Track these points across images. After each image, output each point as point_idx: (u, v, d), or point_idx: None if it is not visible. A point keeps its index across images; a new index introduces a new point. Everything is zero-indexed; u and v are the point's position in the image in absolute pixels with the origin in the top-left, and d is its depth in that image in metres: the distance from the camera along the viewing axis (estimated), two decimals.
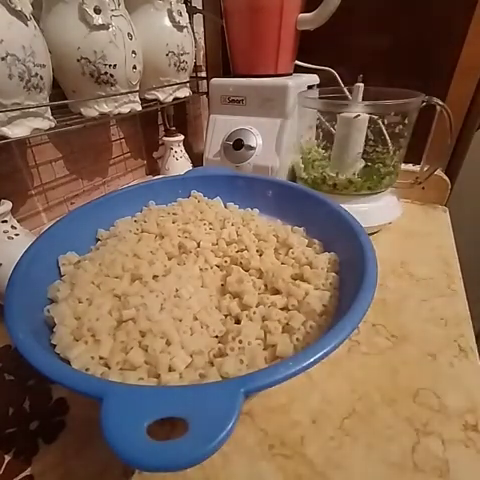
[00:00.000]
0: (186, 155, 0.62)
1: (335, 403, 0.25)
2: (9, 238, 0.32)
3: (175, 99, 0.52)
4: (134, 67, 0.41)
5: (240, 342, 0.21)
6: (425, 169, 0.46)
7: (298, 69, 0.55)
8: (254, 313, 0.24)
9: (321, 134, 0.50)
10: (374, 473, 0.21)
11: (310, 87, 0.53)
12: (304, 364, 0.16)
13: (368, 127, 0.43)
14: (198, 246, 0.31)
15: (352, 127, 0.42)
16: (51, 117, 0.35)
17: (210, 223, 0.34)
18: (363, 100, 0.44)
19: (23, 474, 0.21)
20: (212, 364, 0.21)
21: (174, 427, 0.22)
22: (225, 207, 0.38)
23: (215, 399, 0.15)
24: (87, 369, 0.19)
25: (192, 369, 0.20)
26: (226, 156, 0.52)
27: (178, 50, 0.47)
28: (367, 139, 0.45)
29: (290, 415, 0.24)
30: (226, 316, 0.25)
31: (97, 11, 0.35)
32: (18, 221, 0.34)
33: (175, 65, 0.48)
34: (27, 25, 0.29)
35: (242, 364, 0.20)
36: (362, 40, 0.54)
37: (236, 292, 0.26)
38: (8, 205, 0.32)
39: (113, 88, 0.40)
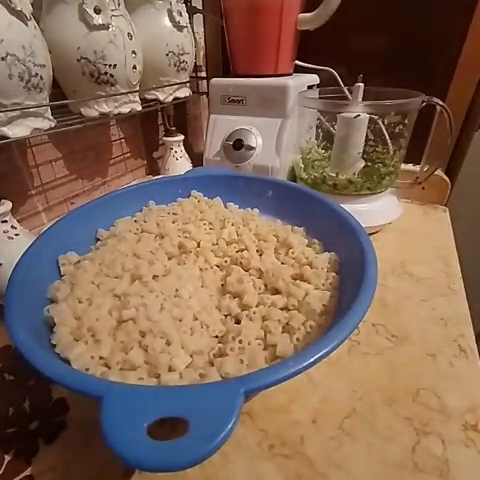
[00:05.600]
0: (186, 155, 0.62)
1: (335, 403, 0.25)
2: (9, 238, 0.31)
3: (175, 99, 0.52)
4: (134, 67, 0.41)
5: (240, 342, 0.21)
6: (425, 169, 0.46)
7: (298, 69, 0.55)
8: (254, 313, 0.24)
9: (321, 134, 0.50)
10: (374, 473, 0.21)
11: (310, 87, 0.53)
12: (304, 364, 0.16)
13: (368, 127, 0.43)
14: (198, 246, 0.31)
15: (352, 127, 0.42)
16: (51, 117, 0.35)
17: (210, 223, 0.34)
18: (363, 100, 0.44)
19: (23, 474, 0.21)
20: (212, 364, 0.21)
21: (174, 427, 0.21)
22: (225, 207, 0.38)
23: (215, 399, 0.15)
24: (87, 369, 0.19)
25: (192, 369, 0.20)
26: (226, 156, 0.52)
27: (178, 50, 0.47)
28: (367, 139, 0.45)
29: (290, 415, 0.24)
30: (226, 316, 0.25)
31: (97, 11, 0.35)
32: (18, 221, 0.34)
33: (175, 65, 0.48)
34: (27, 25, 0.29)
35: (242, 364, 0.20)
36: (362, 40, 0.54)
37: (236, 292, 0.26)
38: (8, 205, 0.32)
39: (113, 88, 0.40)
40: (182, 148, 0.61)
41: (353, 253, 0.25)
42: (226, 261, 0.30)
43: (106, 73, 0.38)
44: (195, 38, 0.53)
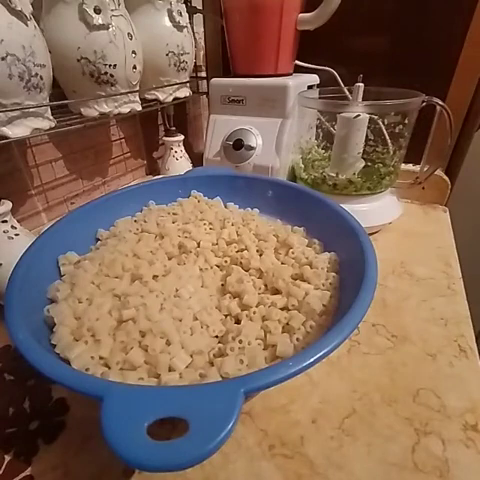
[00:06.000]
0: (186, 155, 0.62)
1: (335, 403, 0.25)
2: (9, 238, 0.31)
3: (175, 99, 0.52)
4: (134, 67, 0.41)
5: (240, 342, 0.21)
6: (425, 169, 0.46)
7: (298, 69, 0.55)
8: (254, 313, 0.24)
9: (321, 134, 0.50)
10: (374, 473, 0.21)
11: (310, 87, 0.53)
12: (304, 364, 0.16)
13: (368, 127, 0.43)
14: (198, 246, 0.31)
15: (352, 127, 0.42)
16: (51, 117, 0.35)
17: (210, 223, 0.34)
18: (363, 100, 0.44)
19: (23, 474, 0.21)
20: (212, 364, 0.21)
21: (174, 427, 0.22)
22: (225, 207, 0.38)
23: (215, 399, 0.15)
24: (87, 369, 0.19)
25: (192, 369, 0.20)
26: (226, 156, 0.52)
27: (178, 50, 0.47)
28: (367, 139, 0.45)
29: (290, 415, 0.24)
30: (226, 316, 0.25)
31: (97, 11, 0.35)
32: (18, 221, 0.34)
33: (175, 65, 0.48)
34: (27, 25, 0.29)
35: (242, 364, 0.20)
36: (362, 40, 0.54)
37: (236, 292, 0.26)
38: (8, 205, 0.32)
39: (113, 88, 0.40)
40: (182, 148, 0.61)
41: (353, 253, 0.25)
42: (226, 261, 0.30)
43: (106, 73, 0.38)
44: (195, 38, 0.53)
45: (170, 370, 0.20)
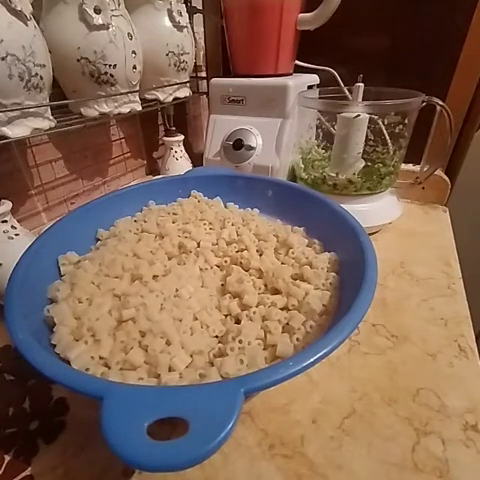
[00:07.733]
0: (186, 155, 0.62)
1: (335, 403, 0.25)
2: (9, 238, 0.31)
3: (175, 99, 0.52)
4: (134, 67, 0.41)
5: (240, 342, 0.21)
6: (425, 169, 0.46)
7: (298, 69, 0.55)
8: (254, 313, 0.24)
9: (321, 134, 0.50)
10: (374, 473, 0.21)
11: (310, 87, 0.53)
12: (304, 364, 0.16)
13: (368, 127, 0.43)
14: (198, 246, 0.31)
15: (352, 127, 0.42)
16: (51, 117, 0.35)
17: (210, 223, 0.34)
18: (363, 100, 0.44)
19: (23, 474, 0.21)
20: (212, 364, 0.21)
21: (174, 427, 0.22)
22: (225, 207, 0.38)
23: (215, 399, 0.15)
24: (87, 369, 0.19)
25: (192, 369, 0.20)
26: (226, 156, 0.52)
27: (178, 50, 0.47)
28: (367, 139, 0.45)
29: (290, 415, 0.24)
30: (226, 316, 0.25)
31: (97, 11, 0.35)
32: (18, 221, 0.34)
33: (175, 65, 0.48)
34: (27, 25, 0.29)
35: (242, 364, 0.20)
36: (362, 40, 0.54)
37: (236, 292, 0.26)
38: (8, 205, 0.32)
39: (113, 88, 0.40)
40: (182, 148, 0.61)
41: (353, 253, 0.25)
42: (226, 261, 0.30)
43: (106, 73, 0.38)
44: (195, 38, 0.53)
45: (170, 370, 0.20)
